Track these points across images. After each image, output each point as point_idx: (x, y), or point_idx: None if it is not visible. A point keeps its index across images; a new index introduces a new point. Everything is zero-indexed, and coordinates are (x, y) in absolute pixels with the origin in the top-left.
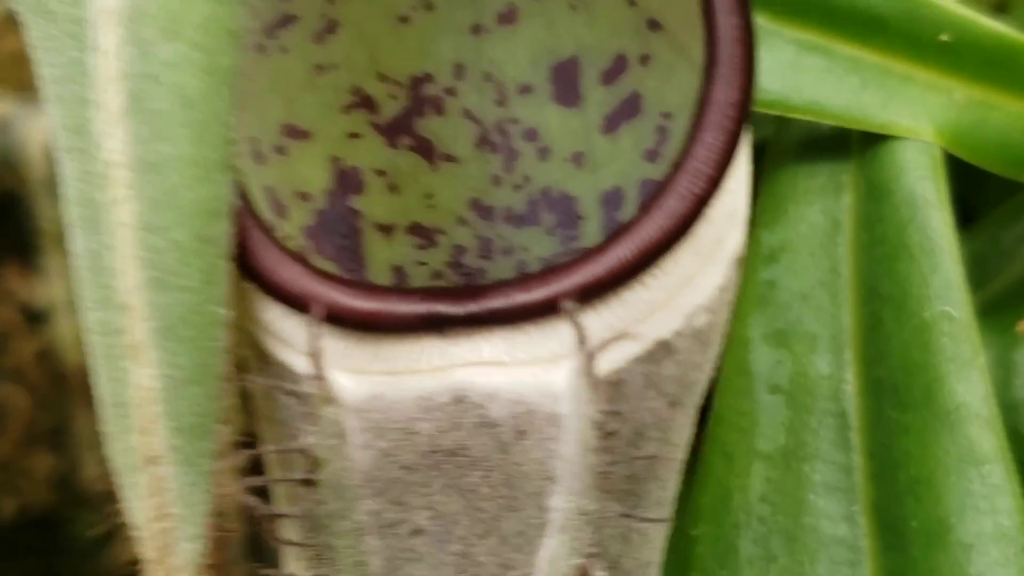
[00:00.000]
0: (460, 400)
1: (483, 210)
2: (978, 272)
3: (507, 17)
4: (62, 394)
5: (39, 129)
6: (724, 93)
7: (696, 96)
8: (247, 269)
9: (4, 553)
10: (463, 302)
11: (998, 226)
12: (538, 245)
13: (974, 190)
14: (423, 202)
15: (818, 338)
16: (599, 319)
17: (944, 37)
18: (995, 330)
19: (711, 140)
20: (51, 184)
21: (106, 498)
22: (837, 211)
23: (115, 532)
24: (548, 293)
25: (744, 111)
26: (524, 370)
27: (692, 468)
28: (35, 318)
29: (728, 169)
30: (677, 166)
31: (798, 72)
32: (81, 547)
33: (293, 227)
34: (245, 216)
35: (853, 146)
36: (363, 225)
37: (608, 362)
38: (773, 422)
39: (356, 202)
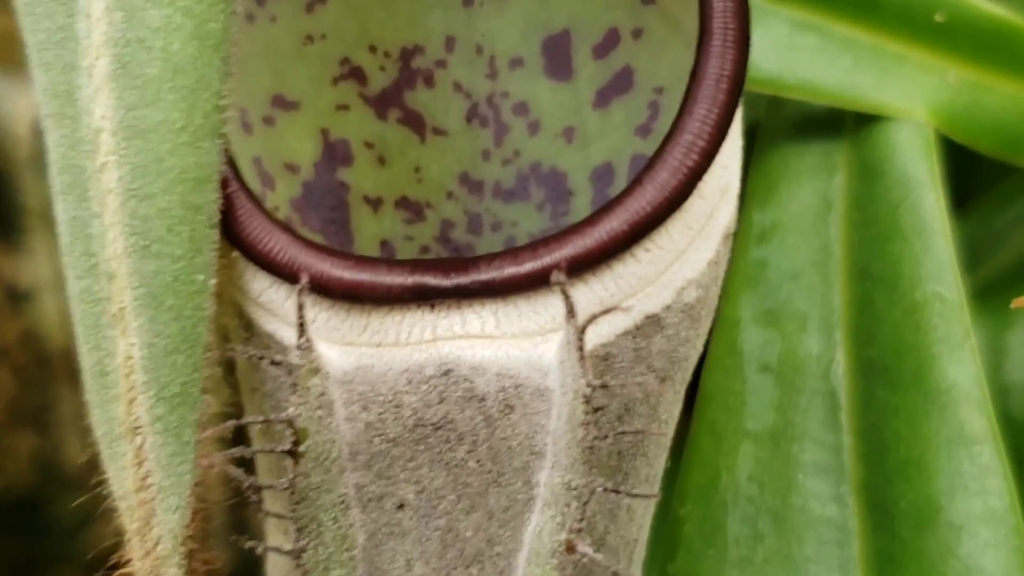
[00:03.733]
0: (447, 373)
1: (472, 184)
2: (970, 255)
3: None
4: (45, 374)
5: (24, 106)
6: (718, 66)
7: (689, 70)
8: (233, 238)
9: None
10: (452, 274)
11: (990, 210)
12: (527, 220)
13: (966, 173)
14: (412, 176)
15: (808, 318)
16: (589, 292)
17: (939, 18)
18: (987, 313)
19: (704, 113)
20: (36, 162)
21: (88, 478)
22: (829, 191)
23: (96, 512)
24: (538, 265)
25: (738, 84)
26: (512, 343)
27: (680, 447)
28: (19, 297)
29: (721, 143)
30: (669, 138)
31: (792, 51)
32: (63, 527)
33: (280, 199)
34: (232, 184)
35: (846, 126)
36: (351, 198)
37: (597, 336)
38: (762, 402)
39: (344, 175)
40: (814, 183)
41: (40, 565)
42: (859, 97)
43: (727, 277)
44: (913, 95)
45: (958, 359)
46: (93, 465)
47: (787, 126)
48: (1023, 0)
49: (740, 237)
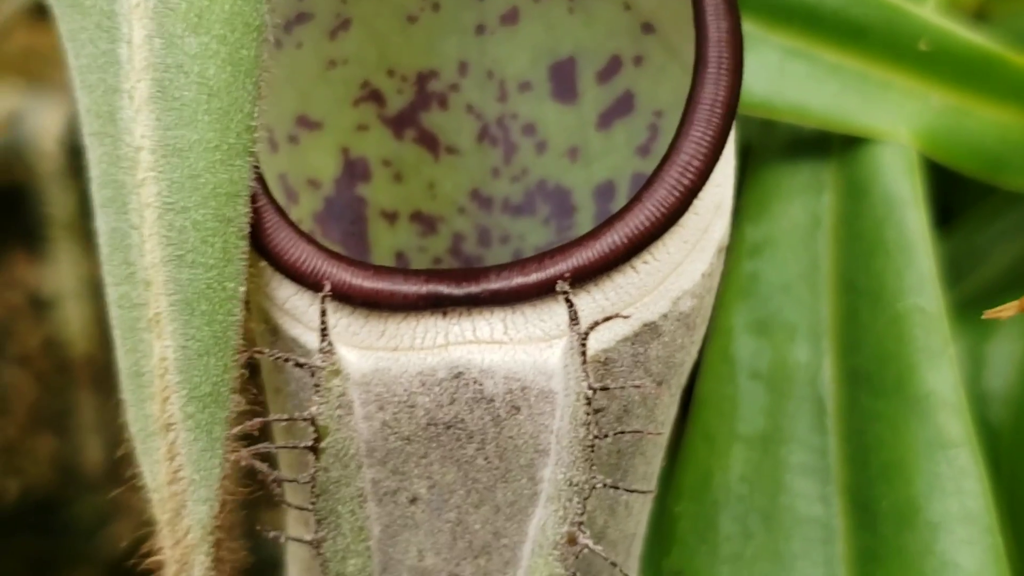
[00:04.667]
0: (458, 376)
1: (482, 200)
2: (953, 270)
3: (509, 18)
4: (67, 380)
5: (51, 121)
6: (712, 92)
7: (686, 95)
8: (261, 248)
9: (7, 532)
10: (463, 283)
11: (973, 227)
12: (534, 234)
13: (951, 192)
14: (426, 191)
15: (798, 328)
16: (591, 301)
17: (922, 46)
18: (969, 325)
19: (700, 135)
20: (62, 175)
21: (106, 480)
22: (818, 208)
23: (113, 513)
24: (544, 276)
25: (731, 109)
26: (519, 348)
27: (676, 448)
28: (42, 305)
29: (715, 163)
30: (667, 159)
31: (783, 77)
32: (81, 528)
33: (303, 212)
34: (261, 199)
35: (834, 147)
36: (369, 212)
37: (598, 342)
38: (753, 407)
39: (363, 190)
40: (804, 200)
41: (59, 564)
42: (846, 120)
43: (721, 288)
44: (897, 118)
45: (937, 367)
46: (113, 467)
47: (778, 147)
48: (1003, 28)
49: (734, 250)
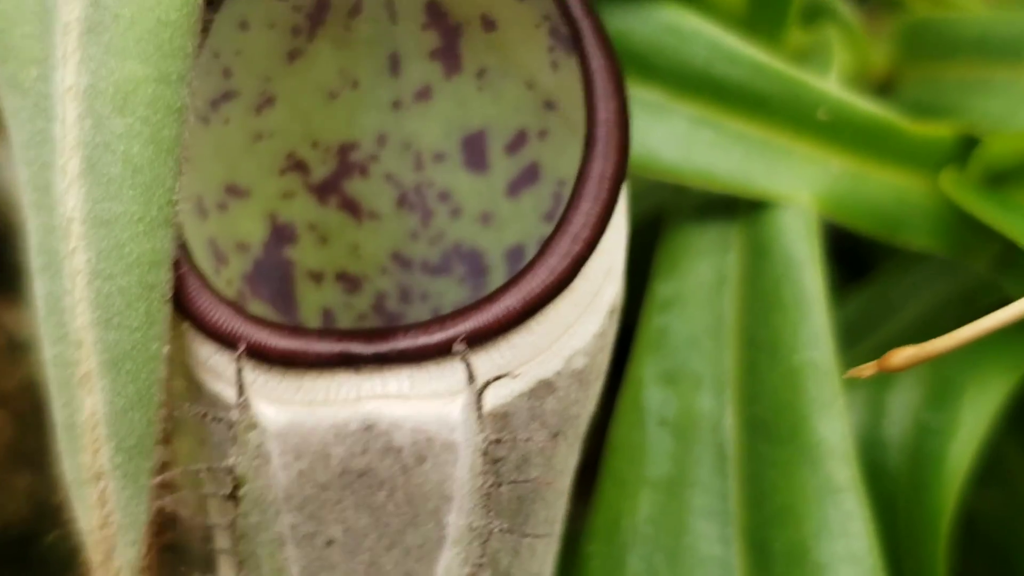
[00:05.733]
0: (369, 428)
1: (403, 261)
2: (867, 322)
3: (423, 95)
4: (44, 418)
5: None
6: (600, 167)
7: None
8: (185, 311)
9: None
10: (373, 343)
11: (885, 281)
12: (451, 292)
13: (867, 246)
14: (350, 253)
15: (703, 379)
16: (488, 360)
17: (821, 115)
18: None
19: (588, 208)
20: None
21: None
22: (724, 267)
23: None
24: (445, 336)
25: (617, 183)
26: (424, 403)
27: (588, 492)
28: (19, 347)
29: (603, 233)
30: (558, 229)
31: (691, 144)
32: (56, 560)
33: (233, 273)
34: (184, 265)
35: (740, 210)
36: (296, 272)
37: (496, 397)
38: (661, 452)
39: (290, 252)
40: (711, 260)
41: None
42: (750, 185)
43: (634, 341)
44: (799, 183)
45: (828, 418)
46: (60, 506)
47: (688, 209)
48: (903, 98)
49: (646, 306)
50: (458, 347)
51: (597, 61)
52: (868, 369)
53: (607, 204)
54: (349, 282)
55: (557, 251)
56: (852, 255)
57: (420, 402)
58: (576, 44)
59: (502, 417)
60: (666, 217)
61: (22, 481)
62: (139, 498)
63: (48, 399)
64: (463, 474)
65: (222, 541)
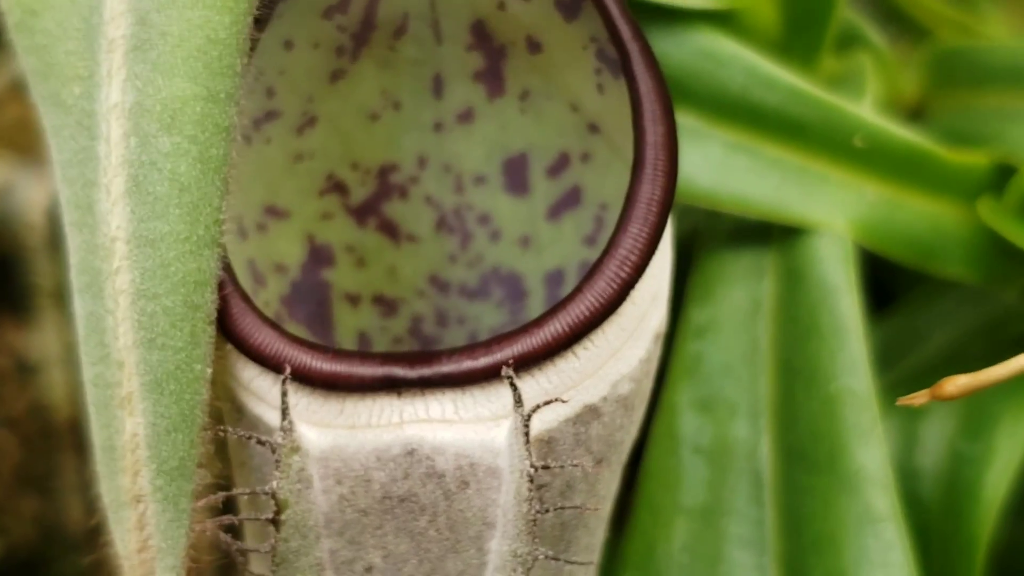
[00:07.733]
0: (411, 453)
1: (440, 284)
2: (894, 351)
3: (465, 117)
4: (51, 443)
5: (39, 194)
6: (649, 191)
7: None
8: (228, 332)
9: None
10: (417, 366)
11: (914, 309)
12: (488, 316)
13: (894, 275)
14: (387, 276)
15: (738, 406)
16: (535, 384)
17: (857, 142)
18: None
19: (637, 231)
20: (49, 245)
21: (88, 540)
22: (758, 293)
23: (94, 572)
24: (491, 361)
25: (666, 207)
26: (468, 428)
27: (622, 519)
28: (28, 370)
29: (651, 257)
30: (606, 252)
31: (726, 170)
32: None
33: (271, 295)
34: (228, 286)
35: (774, 236)
36: (333, 295)
37: (542, 423)
38: (695, 480)
39: (327, 274)
40: (745, 286)
41: None
42: (785, 211)
43: (668, 367)
44: (834, 210)
45: (866, 446)
46: (95, 529)
47: (722, 235)
48: (936, 125)
49: (680, 332)
50: (506, 371)
51: (646, 84)
52: (920, 397)
53: (655, 228)
54: (386, 305)
55: (605, 275)
56: (876, 283)
57: (464, 427)
58: (625, 67)
59: (547, 443)
60: (699, 242)
61: (29, 505)
62: (179, 521)
63: (85, 420)
64: (508, 500)
65: (259, 567)
